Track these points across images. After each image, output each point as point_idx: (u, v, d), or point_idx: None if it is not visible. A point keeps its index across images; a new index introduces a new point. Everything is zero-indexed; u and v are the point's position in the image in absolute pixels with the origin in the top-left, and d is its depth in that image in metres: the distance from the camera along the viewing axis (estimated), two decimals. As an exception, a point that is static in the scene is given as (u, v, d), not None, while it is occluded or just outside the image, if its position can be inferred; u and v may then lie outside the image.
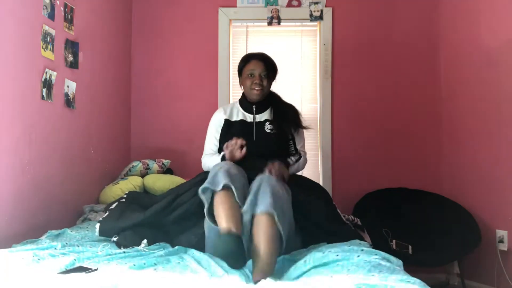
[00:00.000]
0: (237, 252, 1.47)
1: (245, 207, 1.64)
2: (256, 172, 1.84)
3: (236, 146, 2.02)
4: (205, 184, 1.73)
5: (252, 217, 1.61)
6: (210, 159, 2.20)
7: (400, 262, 1.40)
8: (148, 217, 1.85)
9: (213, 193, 1.72)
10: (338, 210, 2.09)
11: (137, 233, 1.78)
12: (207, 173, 2.16)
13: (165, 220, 1.87)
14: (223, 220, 1.59)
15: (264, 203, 1.59)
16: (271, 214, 1.57)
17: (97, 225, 1.84)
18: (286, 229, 1.60)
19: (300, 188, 1.94)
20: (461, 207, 2.85)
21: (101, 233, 1.83)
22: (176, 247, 1.69)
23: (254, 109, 2.27)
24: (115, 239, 1.77)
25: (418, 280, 1.18)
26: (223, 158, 2.09)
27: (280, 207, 1.61)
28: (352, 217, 2.27)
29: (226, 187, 1.69)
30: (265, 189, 1.65)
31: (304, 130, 2.33)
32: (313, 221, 1.83)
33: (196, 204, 1.84)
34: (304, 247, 1.73)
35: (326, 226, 1.83)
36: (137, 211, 1.95)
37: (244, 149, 2.02)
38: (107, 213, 1.95)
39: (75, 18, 2.33)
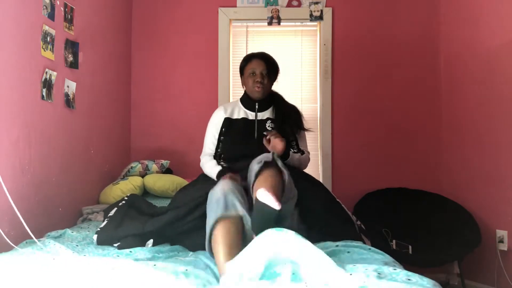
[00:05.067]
0: None
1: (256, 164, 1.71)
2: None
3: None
4: (221, 214, 1.54)
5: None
6: (208, 164, 2.19)
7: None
8: (148, 232, 1.78)
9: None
10: (343, 207, 2.06)
11: (139, 236, 1.76)
12: (207, 177, 2.17)
13: (167, 233, 1.83)
14: (221, 255, 1.43)
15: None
16: (276, 165, 1.67)
17: (95, 236, 1.79)
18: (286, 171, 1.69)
19: (299, 184, 1.91)
20: (461, 207, 2.85)
21: (99, 243, 1.77)
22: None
23: (257, 106, 2.27)
24: (116, 245, 1.73)
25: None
26: (219, 174, 2.07)
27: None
28: (355, 217, 2.25)
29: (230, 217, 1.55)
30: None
31: (305, 131, 2.34)
32: (308, 217, 1.79)
33: (198, 223, 1.76)
34: None
35: (323, 224, 1.80)
36: (136, 220, 1.89)
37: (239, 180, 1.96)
38: (106, 221, 1.89)
39: (75, 18, 2.33)
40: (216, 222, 1.51)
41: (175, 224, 1.79)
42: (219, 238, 1.46)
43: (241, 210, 1.55)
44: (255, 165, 1.73)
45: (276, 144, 2.05)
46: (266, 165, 1.68)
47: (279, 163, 1.72)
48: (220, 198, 1.58)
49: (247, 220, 1.54)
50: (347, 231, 1.82)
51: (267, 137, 2.07)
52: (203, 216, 1.69)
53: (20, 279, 1.23)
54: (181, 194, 2.12)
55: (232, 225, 1.51)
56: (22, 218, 1.85)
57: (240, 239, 1.51)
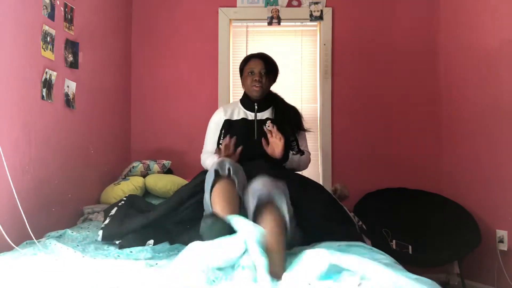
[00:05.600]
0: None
1: (246, 203, 1.61)
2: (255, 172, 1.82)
3: (230, 151, 2.03)
4: (214, 167, 1.72)
5: (256, 214, 1.53)
6: (209, 158, 2.24)
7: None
8: (151, 222, 1.84)
9: (213, 181, 1.70)
10: (344, 208, 2.06)
11: (139, 235, 1.77)
12: (206, 173, 2.17)
13: (167, 223, 1.86)
14: (218, 207, 1.59)
15: (263, 194, 1.52)
16: (271, 202, 1.50)
17: (100, 232, 1.82)
18: (288, 215, 1.52)
19: (298, 187, 1.91)
20: (461, 207, 2.85)
21: (104, 238, 1.81)
22: None
23: (256, 107, 2.28)
24: (117, 242, 1.76)
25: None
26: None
27: (279, 194, 1.54)
28: (357, 218, 2.25)
29: (228, 177, 1.70)
30: (261, 181, 1.59)
31: (305, 132, 2.35)
32: (307, 219, 1.78)
33: (198, 211, 1.81)
34: (304, 244, 1.72)
35: (322, 225, 1.80)
36: (137, 218, 1.92)
37: (238, 151, 2.04)
38: (108, 219, 1.92)
39: (75, 18, 2.33)
40: (214, 183, 1.67)
41: (175, 211, 1.85)
42: (216, 197, 1.63)
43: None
44: (250, 201, 1.58)
45: (275, 146, 2.06)
46: (265, 205, 1.51)
47: (284, 208, 1.52)
48: (216, 163, 1.76)
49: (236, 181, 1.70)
50: (348, 231, 1.82)
51: (268, 127, 2.13)
52: (200, 204, 1.79)
53: (23, 280, 1.22)
54: (179, 189, 2.16)
55: (227, 184, 1.67)
56: (22, 218, 1.85)
57: (236, 196, 1.66)
